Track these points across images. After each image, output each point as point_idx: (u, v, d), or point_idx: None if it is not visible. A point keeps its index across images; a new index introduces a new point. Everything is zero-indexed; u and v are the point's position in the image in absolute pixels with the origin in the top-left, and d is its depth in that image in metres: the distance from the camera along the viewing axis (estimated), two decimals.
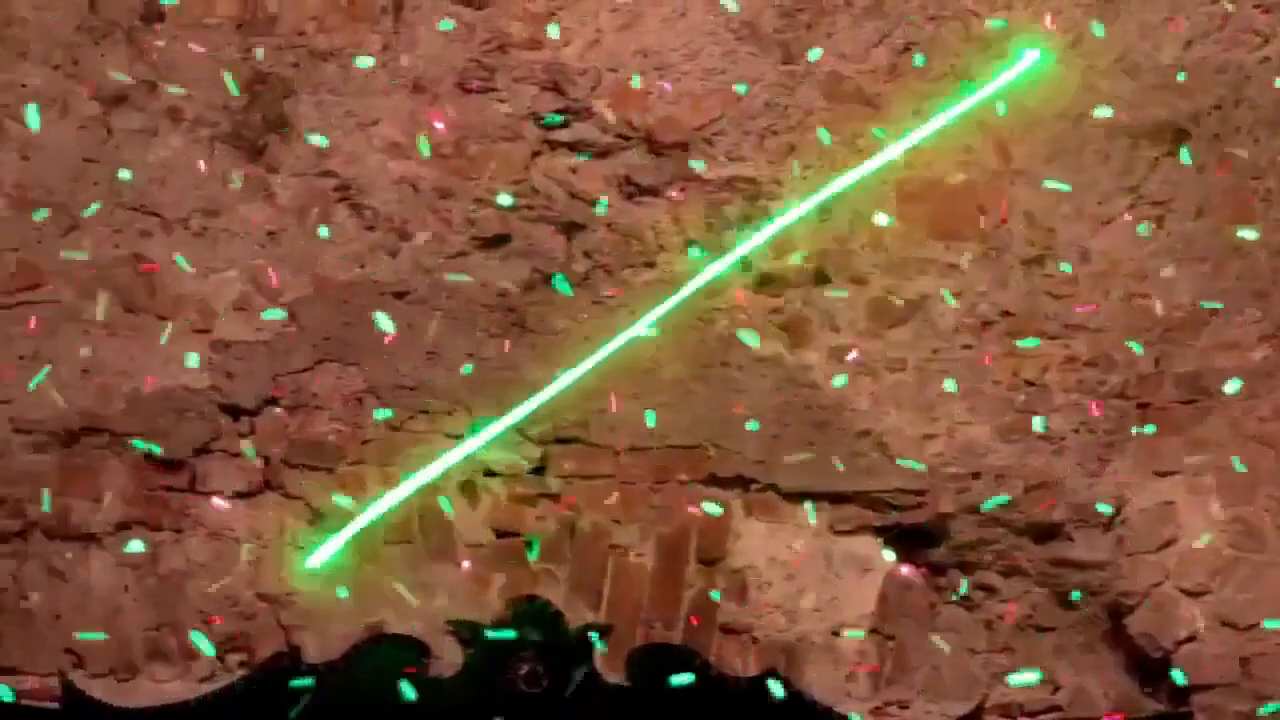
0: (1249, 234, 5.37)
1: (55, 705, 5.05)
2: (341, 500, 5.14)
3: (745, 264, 5.29)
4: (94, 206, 5.15)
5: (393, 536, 5.18)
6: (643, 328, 5.17)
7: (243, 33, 5.25)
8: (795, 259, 5.30)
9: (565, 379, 5.15)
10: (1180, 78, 5.40)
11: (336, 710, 5.08)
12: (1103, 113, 5.34)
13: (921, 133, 5.27)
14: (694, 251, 5.19)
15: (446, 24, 5.24)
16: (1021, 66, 5.33)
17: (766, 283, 5.30)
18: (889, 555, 5.31)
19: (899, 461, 5.26)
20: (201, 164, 5.21)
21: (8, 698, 4.95)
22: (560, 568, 5.21)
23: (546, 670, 5.15)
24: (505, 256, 5.26)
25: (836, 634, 5.27)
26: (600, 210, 5.27)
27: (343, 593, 5.11)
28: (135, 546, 5.13)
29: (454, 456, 5.13)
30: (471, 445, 5.14)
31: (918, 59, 5.37)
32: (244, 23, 5.26)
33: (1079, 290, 5.37)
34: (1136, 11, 5.43)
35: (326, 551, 5.12)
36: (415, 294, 5.24)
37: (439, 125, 5.24)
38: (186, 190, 5.21)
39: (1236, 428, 5.35)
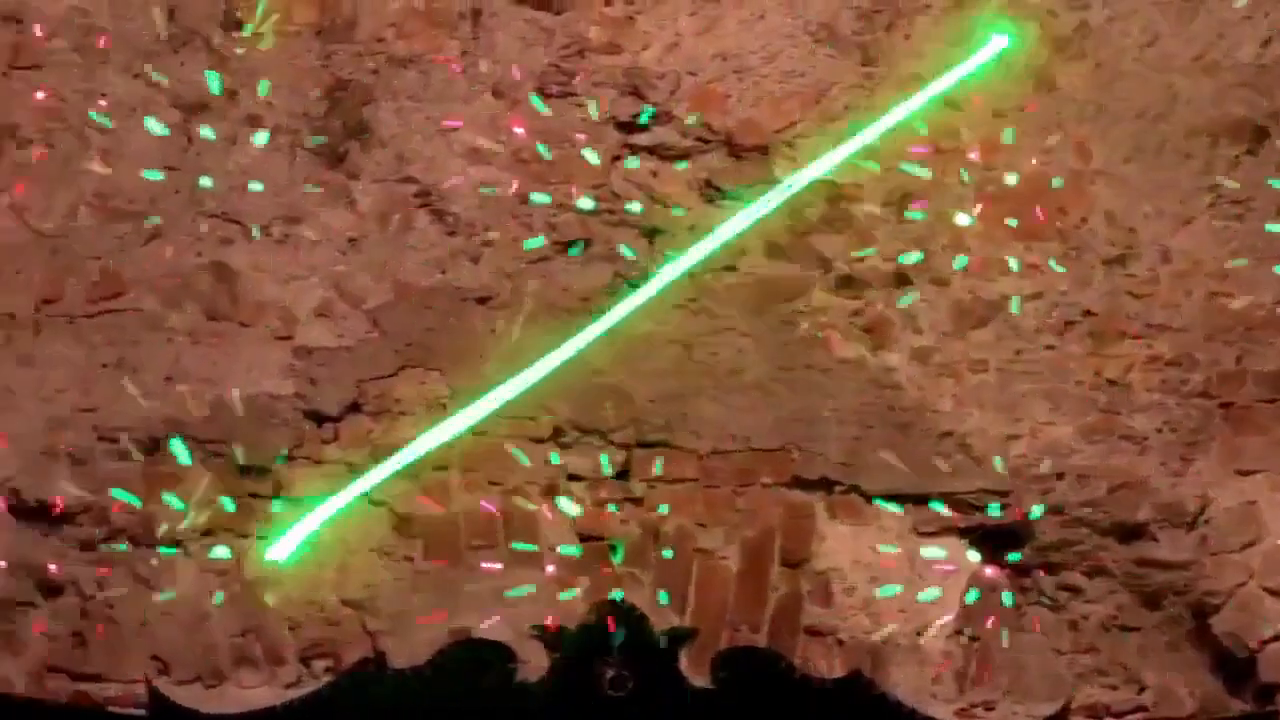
0: None
1: (141, 712, 5.07)
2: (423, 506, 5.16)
3: (826, 266, 5.27)
4: (175, 215, 5.16)
5: (477, 541, 5.18)
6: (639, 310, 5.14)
7: (322, 39, 5.25)
8: (875, 260, 5.28)
9: (541, 366, 5.14)
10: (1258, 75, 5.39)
11: (421, 715, 5.08)
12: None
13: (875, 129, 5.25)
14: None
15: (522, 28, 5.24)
16: (985, 54, 5.29)
17: (847, 285, 5.29)
18: (973, 556, 5.29)
19: (991, 462, 5.25)
20: (282, 171, 5.21)
21: None
22: (645, 572, 5.21)
23: (632, 674, 5.14)
24: (587, 260, 5.26)
25: (921, 635, 5.25)
26: (680, 213, 5.26)
27: (425, 598, 5.12)
28: (220, 553, 5.14)
29: (428, 442, 5.13)
30: (450, 426, 5.13)
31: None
32: (323, 29, 5.26)
33: (1160, 290, 5.35)
34: (1215, 9, 5.41)
35: (289, 544, 5.10)
36: (497, 299, 5.24)
37: (519, 130, 5.24)
38: (267, 197, 5.22)
39: None
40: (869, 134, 5.24)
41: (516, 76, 5.27)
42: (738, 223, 5.16)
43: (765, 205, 5.17)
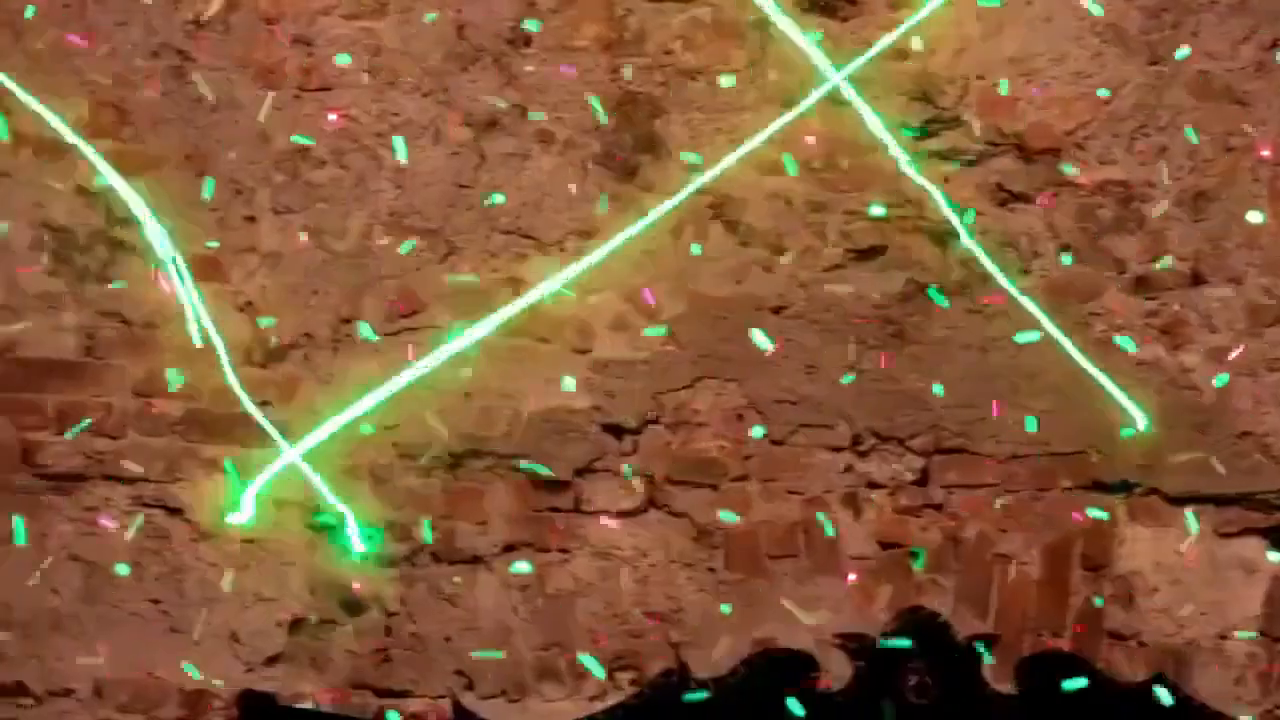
0: None
1: None
2: (726, 515, 5.16)
3: (1120, 267, 5.24)
4: (468, 232, 5.19)
5: (777, 550, 5.18)
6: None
7: (610, 54, 5.27)
8: (1169, 261, 5.25)
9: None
10: None
11: None
12: None
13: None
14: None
15: (814, 35, 5.23)
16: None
17: (1142, 286, 5.25)
18: (1275, 557, 5.24)
19: None
20: (574, 186, 5.23)
21: None
22: (946, 578, 5.20)
23: (934, 681, 5.13)
24: (881, 268, 5.25)
25: (1224, 637, 5.21)
26: (972, 219, 5.24)
27: (727, 608, 5.13)
28: (522, 568, 5.16)
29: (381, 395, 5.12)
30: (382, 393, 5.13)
31: None
32: (611, 44, 5.27)
33: None
34: None
35: (247, 505, 5.10)
36: (792, 308, 5.24)
37: (809, 139, 5.23)
38: (560, 212, 5.23)
39: None
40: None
41: (805, 85, 5.26)
42: None
43: None
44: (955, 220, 5.22)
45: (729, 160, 5.19)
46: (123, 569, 5.11)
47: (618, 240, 5.17)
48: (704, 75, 5.28)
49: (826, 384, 5.22)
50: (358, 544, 5.11)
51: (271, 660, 5.13)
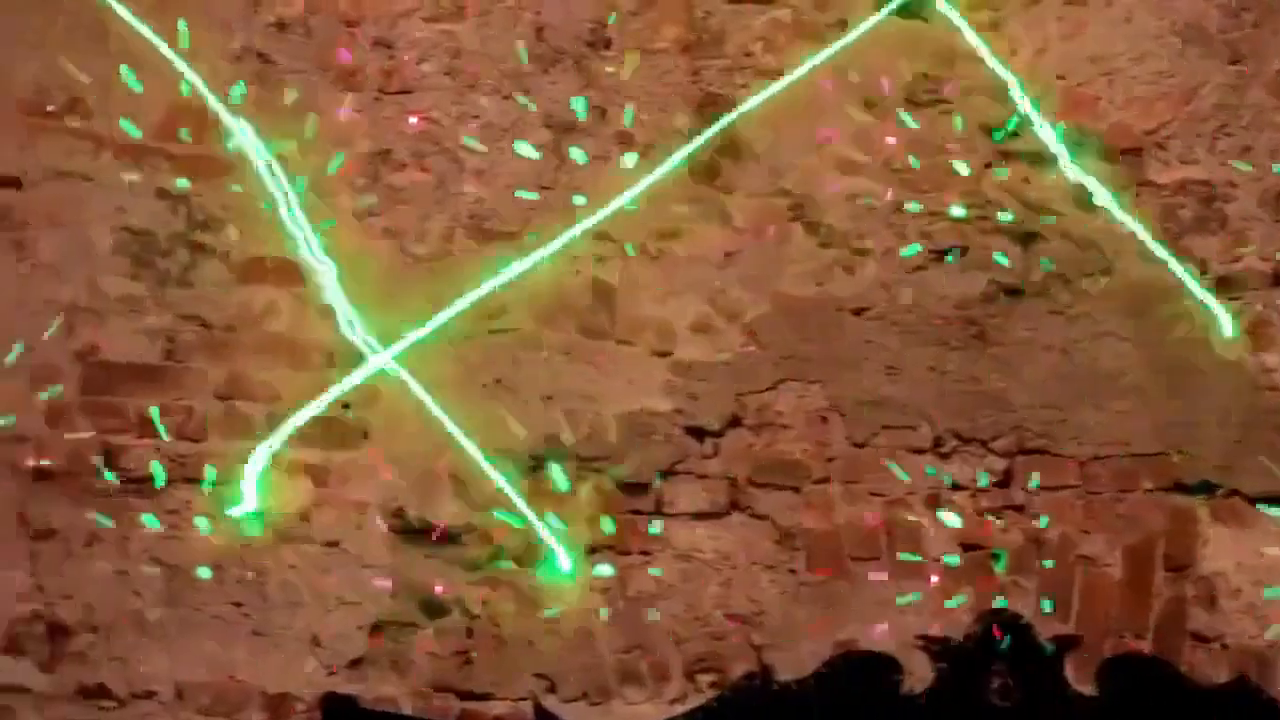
0: None
1: None
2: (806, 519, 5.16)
3: (1202, 267, 5.23)
4: (550, 235, 5.19)
5: (861, 552, 5.18)
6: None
7: (690, 55, 5.26)
8: (1252, 260, 5.24)
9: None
10: None
11: None
12: None
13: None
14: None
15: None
16: None
17: (1225, 286, 5.24)
18: None
19: None
20: (655, 188, 5.22)
21: None
22: (1028, 579, 5.19)
23: (1018, 683, 5.12)
24: (962, 269, 5.24)
25: None
26: (1053, 220, 5.23)
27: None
28: (604, 570, 5.16)
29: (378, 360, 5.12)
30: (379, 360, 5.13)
31: None
32: (690, 45, 5.26)
33: None
34: None
35: (249, 497, 5.10)
36: (874, 309, 5.23)
37: (890, 140, 5.23)
38: (642, 214, 5.23)
39: None
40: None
41: (886, 87, 5.25)
42: None
43: None
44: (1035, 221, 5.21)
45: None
46: (204, 572, 5.11)
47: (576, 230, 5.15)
48: (785, 76, 5.26)
49: (908, 385, 5.21)
50: (564, 561, 5.10)
51: (353, 663, 5.13)
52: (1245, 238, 5.27)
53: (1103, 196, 5.17)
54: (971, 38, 5.21)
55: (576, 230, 5.16)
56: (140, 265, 5.18)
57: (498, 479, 5.09)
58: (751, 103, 5.19)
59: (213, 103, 5.13)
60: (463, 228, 5.22)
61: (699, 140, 5.18)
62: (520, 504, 5.09)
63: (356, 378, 5.11)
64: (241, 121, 5.12)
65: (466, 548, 5.15)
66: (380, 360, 5.12)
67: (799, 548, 5.18)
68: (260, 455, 5.10)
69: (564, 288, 5.20)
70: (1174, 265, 5.18)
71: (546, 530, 5.10)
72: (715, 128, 5.17)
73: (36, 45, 5.15)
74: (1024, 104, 5.20)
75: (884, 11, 5.21)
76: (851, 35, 5.19)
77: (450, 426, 5.10)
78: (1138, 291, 5.24)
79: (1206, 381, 5.23)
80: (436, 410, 5.09)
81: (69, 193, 5.15)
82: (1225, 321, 5.17)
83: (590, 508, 5.17)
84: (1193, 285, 5.16)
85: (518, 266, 5.14)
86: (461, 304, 5.13)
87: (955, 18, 5.22)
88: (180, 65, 5.11)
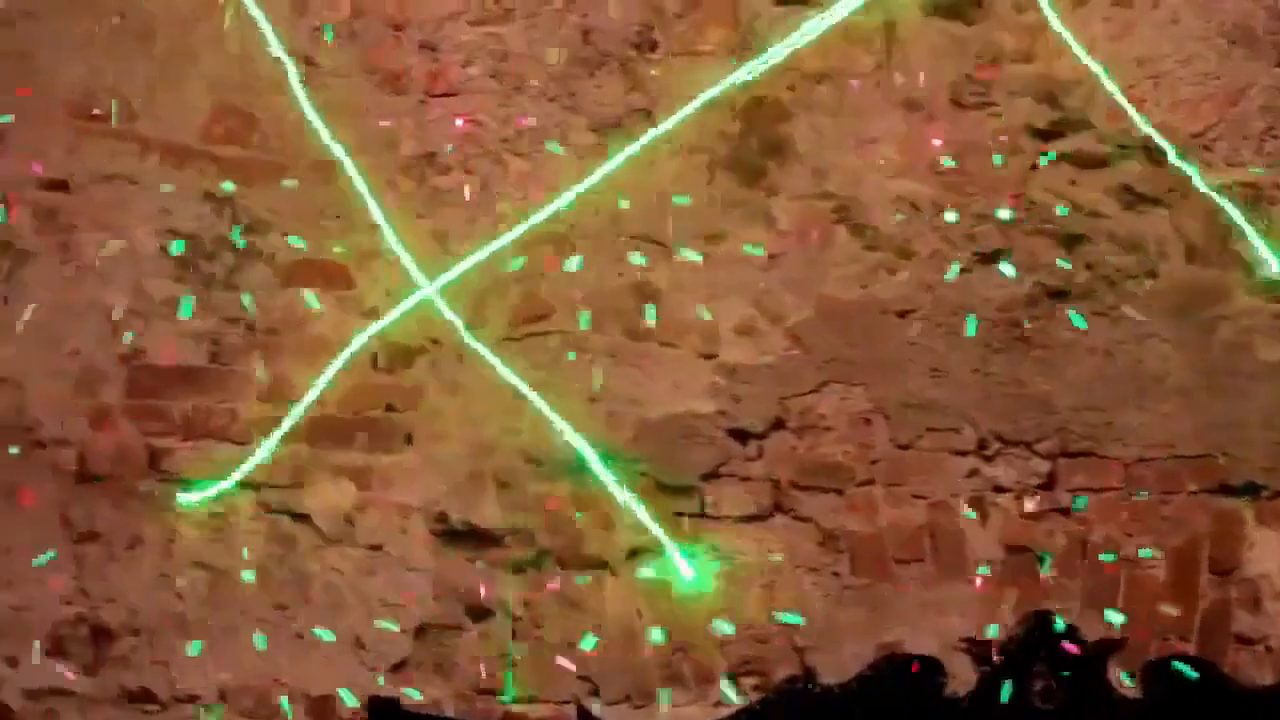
0: None
1: None
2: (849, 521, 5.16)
3: (1248, 269, 5.22)
4: (595, 236, 5.19)
5: (904, 554, 5.17)
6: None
7: (736, 58, 5.25)
8: None
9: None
10: None
11: None
12: None
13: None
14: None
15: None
16: None
17: (1273, 287, 5.23)
18: None
19: None
20: (701, 190, 5.23)
21: None
22: (1073, 582, 5.18)
23: (1061, 686, 5.12)
24: (1009, 271, 5.24)
25: None
26: (1099, 220, 5.23)
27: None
28: (647, 573, 5.15)
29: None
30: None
31: None
32: (736, 48, 5.26)
33: None
34: None
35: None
36: (919, 312, 5.23)
37: (936, 142, 5.22)
38: (686, 217, 5.22)
39: None
40: None
41: (931, 88, 5.25)
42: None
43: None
44: (1082, 223, 5.20)
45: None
46: (248, 575, 5.12)
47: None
48: (831, 79, 5.26)
49: (952, 387, 5.20)
50: (686, 570, 5.11)
51: (397, 666, 5.13)
52: None
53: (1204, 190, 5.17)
54: (1055, 24, 5.17)
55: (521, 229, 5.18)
56: (185, 268, 5.18)
57: (602, 473, 5.10)
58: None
59: (304, 104, 5.13)
60: (507, 230, 5.21)
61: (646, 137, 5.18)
62: (642, 515, 5.09)
63: (404, 307, 5.11)
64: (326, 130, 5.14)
65: (510, 550, 5.15)
66: (428, 290, 5.12)
67: (842, 550, 5.18)
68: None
69: (608, 290, 5.19)
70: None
71: (667, 540, 5.10)
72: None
73: (83, 49, 5.15)
74: (1118, 98, 5.17)
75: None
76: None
77: (524, 389, 5.12)
78: (1183, 293, 5.23)
79: (1251, 383, 5.21)
80: (494, 360, 5.11)
81: (115, 196, 5.16)
82: None
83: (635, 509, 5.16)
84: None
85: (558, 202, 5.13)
86: (504, 239, 5.13)
87: (1049, 13, 5.19)
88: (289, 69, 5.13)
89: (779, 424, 5.21)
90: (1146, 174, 5.25)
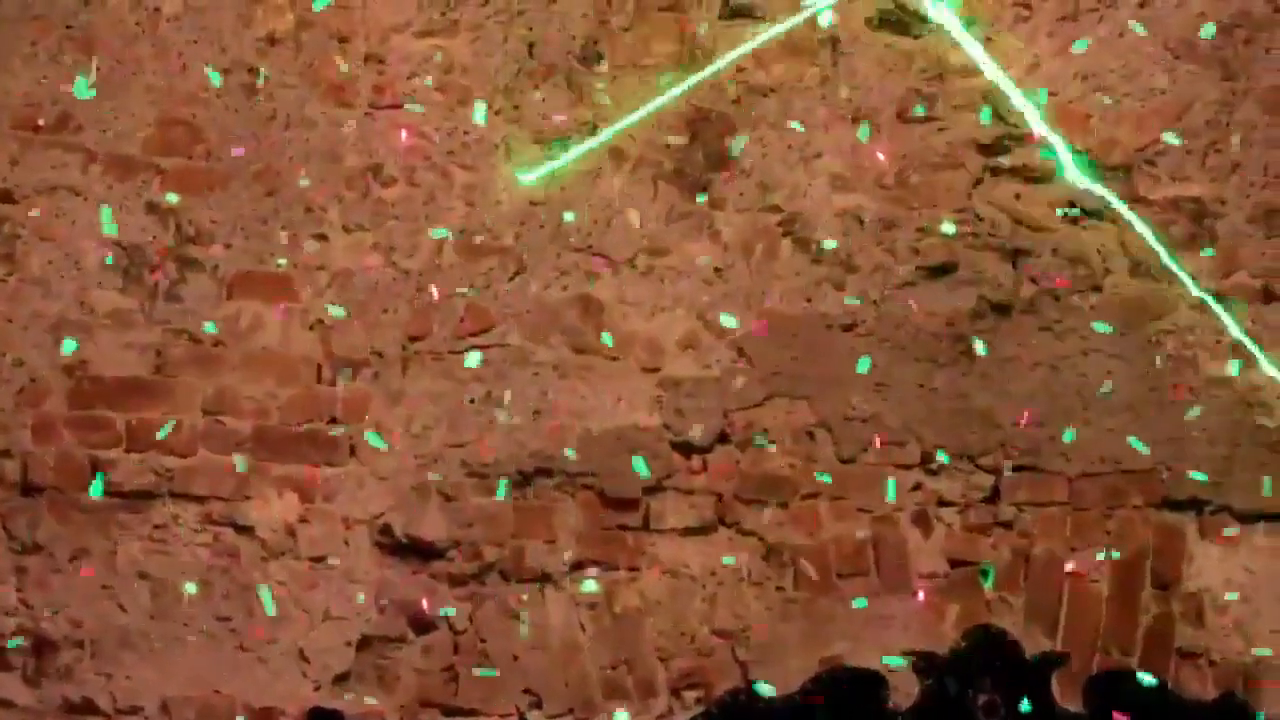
0: None
1: None
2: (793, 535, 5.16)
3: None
4: (539, 249, 5.19)
5: (848, 569, 5.17)
6: None
7: (681, 71, 5.25)
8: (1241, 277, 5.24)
9: None
10: None
11: None
12: None
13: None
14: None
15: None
16: None
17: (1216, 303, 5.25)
18: None
19: None
20: (645, 203, 5.22)
21: None
22: (1015, 596, 5.19)
23: (1004, 700, 5.13)
24: (952, 285, 5.24)
25: None
26: (1044, 235, 5.23)
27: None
28: (590, 586, 5.15)
29: None
30: None
31: None
32: (682, 61, 5.25)
33: None
34: None
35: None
36: (863, 326, 5.23)
37: (880, 156, 5.22)
38: (631, 230, 5.22)
39: None
40: None
41: (877, 102, 5.25)
42: None
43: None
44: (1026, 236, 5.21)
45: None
46: (191, 587, 5.10)
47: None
48: (777, 92, 5.26)
49: (897, 401, 5.20)
50: None
51: (339, 678, 5.12)
52: (1236, 254, 5.26)
53: (1115, 206, 5.17)
54: (973, 49, 5.17)
55: None
56: (129, 279, 5.16)
57: None
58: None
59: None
60: (451, 243, 5.20)
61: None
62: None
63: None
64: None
65: (453, 563, 5.14)
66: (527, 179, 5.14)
67: (786, 564, 5.18)
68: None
69: (552, 303, 5.19)
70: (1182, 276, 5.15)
71: None
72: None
73: (27, 60, 5.13)
74: (1032, 118, 5.17)
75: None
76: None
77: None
78: (1127, 308, 5.24)
79: (1195, 398, 5.22)
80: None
81: (58, 206, 5.14)
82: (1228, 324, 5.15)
83: (577, 523, 5.16)
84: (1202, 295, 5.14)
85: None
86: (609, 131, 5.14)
87: (956, 29, 5.17)
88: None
89: (723, 438, 5.20)
90: (1090, 189, 5.25)
